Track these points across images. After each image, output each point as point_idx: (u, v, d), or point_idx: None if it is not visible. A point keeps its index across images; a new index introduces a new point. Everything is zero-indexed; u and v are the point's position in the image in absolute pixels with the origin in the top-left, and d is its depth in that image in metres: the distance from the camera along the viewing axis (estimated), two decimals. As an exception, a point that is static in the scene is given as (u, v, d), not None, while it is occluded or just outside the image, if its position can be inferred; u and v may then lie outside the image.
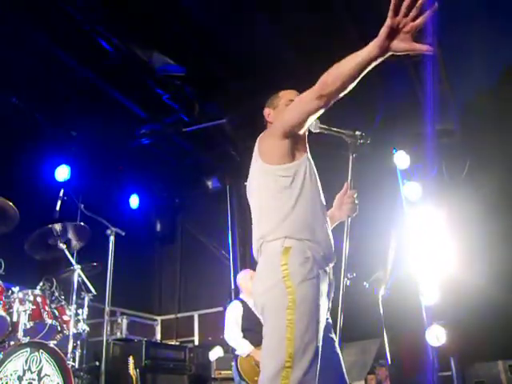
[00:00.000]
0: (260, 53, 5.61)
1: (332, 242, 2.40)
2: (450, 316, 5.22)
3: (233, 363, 4.59)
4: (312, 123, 2.51)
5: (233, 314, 4.78)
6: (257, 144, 2.47)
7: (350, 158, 2.60)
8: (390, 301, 5.10)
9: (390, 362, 4.79)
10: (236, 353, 4.57)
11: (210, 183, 7.55)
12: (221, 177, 7.61)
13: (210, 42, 5.37)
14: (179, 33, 5.18)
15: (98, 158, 6.32)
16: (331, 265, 2.37)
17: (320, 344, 2.13)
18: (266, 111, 2.65)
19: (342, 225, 2.64)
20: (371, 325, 5.01)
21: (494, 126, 6.38)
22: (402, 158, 5.96)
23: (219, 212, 7.48)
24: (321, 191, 2.49)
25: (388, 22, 1.97)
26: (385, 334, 4.72)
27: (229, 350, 6.42)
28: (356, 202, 2.61)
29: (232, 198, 7.45)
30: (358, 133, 2.58)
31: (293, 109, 2.34)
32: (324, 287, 2.27)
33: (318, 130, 2.59)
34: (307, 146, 2.53)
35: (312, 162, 2.50)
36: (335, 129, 2.61)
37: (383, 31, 1.99)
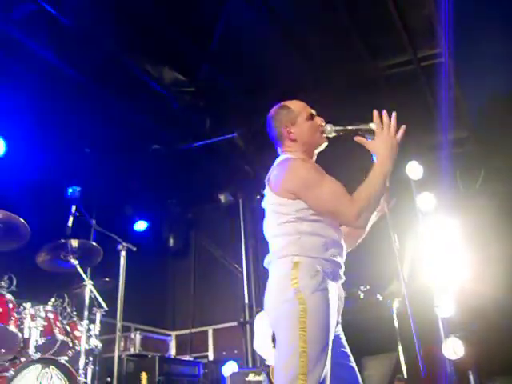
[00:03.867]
0: (271, 67, 5.63)
1: (342, 260, 2.41)
2: (467, 328, 5.12)
3: (263, 374, 4.57)
4: (327, 129, 2.49)
5: (262, 324, 4.77)
6: (277, 168, 2.41)
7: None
8: (404, 313, 5.02)
9: (406, 377, 4.69)
10: (266, 363, 4.56)
11: (222, 197, 7.55)
12: (233, 191, 7.61)
13: (220, 57, 5.41)
14: (189, 49, 5.23)
15: (110, 173, 6.35)
16: (341, 281, 2.39)
17: (330, 355, 2.14)
18: (284, 131, 2.53)
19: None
20: (386, 338, 4.93)
21: (509, 134, 6.29)
22: (414, 169, 5.89)
23: (232, 226, 7.47)
24: None
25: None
26: (400, 347, 4.64)
27: (243, 365, 6.38)
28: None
29: (245, 211, 7.44)
30: (373, 125, 2.42)
31: (331, 199, 2.28)
32: (334, 300, 2.28)
33: (334, 134, 2.49)
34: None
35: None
36: (351, 127, 2.46)
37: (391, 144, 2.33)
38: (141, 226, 7.40)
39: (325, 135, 2.50)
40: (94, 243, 4.60)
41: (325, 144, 2.55)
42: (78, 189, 4.66)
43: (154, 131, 6.22)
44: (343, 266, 2.40)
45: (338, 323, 2.38)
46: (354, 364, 2.37)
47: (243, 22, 4.97)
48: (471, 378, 5.13)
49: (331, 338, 2.19)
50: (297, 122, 2.53)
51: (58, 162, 5.76)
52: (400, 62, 5.61)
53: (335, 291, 2.32)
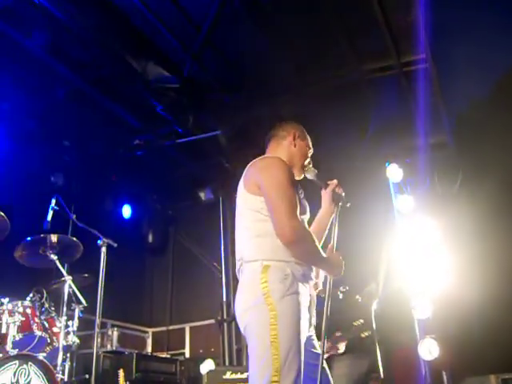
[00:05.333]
0: (255, 65, 5.64)
1: None
2: (443, 330, 5.21)
3: None
4: (311, 168, 2.71)
5: None
6: (255, 171, 2.48)
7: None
8: (382, 314, 5.08)
9: (382, 376, 4.75)
10: None
11: (202, 195, 7.52)
12: (214, 189, 7.59)
13: (205, 54, 5.40)
14: (174, 45, 5.20)
15: (90, 168, 6.29)
16: (312, 282, 2.44)
17: (303, 358, 2.18)
18: (290, 137, 2.69)
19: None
20: (364, 339, 4.97)
21: (487, 138, 6.40)
22: (394, 171, 5.97)
23: (212, 224, 7.45)
24: (307, 215, 2.60)
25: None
26: (377, 347, 4.69)
27: (220, 363, 6.38)
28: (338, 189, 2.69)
29: (225, 209, 7.43)
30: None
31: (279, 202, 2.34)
32: (305, 302, 2.32)
33: (310, 177, 2.72)
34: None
35: (300, 190, 2.60)
36: (323, 185, 2.72)
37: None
38: (126, 212, 7.30)
39: (306, 170, 2.70)
40: (74, 238, 4.55)
41: (299, 177, 2.69)
42: (60, 179, 4.61)
43: (136, 126, 6.17)
44: (314, 268, 2.46)
45: (310, 325, 2.41)
46: (325, 365, 2.40)
47: (230, 20, 4.97)
48: (445, 377, 5.23)
49: (303, 341, 2.23)
50: (301, 143, 2.72)
51: (38, 156, 5.67)
52: (384, 66, 5.68)
53: (306, 293, 2.36)
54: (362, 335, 4.45)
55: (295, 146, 2.68)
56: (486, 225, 5.65)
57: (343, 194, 2.66)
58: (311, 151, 2.77)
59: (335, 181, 2.70)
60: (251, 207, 2.41)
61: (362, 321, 4.54)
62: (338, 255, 2.51)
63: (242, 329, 2.32)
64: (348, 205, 2.65)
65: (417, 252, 5.53)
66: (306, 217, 2.59)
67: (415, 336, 5.31)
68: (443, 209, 5.87)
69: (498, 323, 5.75)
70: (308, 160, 2.73)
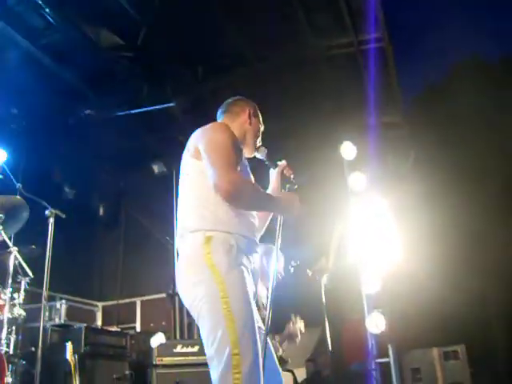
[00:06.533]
0: (210, 39, 5.54)
1: (256, 235, 2.45)
2: (390, 304, 5.36)
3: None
4: (261, 148, 2.67)
5: None
6: (198, 134, 2.42)
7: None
8: (332, 289, 5.18)
9: (331, 350, 4.86)
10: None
11: (155, 168, 7.39)
12: (167, 162, 7.47)
13: (161, 24, 5.26)
14: (130, 12, 5.04)
15: (39, 137, 6.06)
16: (255, 254, 2.41)
17: (257, 324, 2.16)
18: (245, 115, 2.64)
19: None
20: (313, 313, 5.07)
21: (438, 122, 6.55)
22: (348, 149, 6.01)
23: (164, 197, 7.35)
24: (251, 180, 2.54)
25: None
26: (326, 322, 4.79)
27: (170, 336, 6.37)
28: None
29: (178, 183, 7.32)
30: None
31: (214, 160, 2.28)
32: (249, 274, 2.29)
33: (260, 157, 2.69)
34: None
35: (246, 162, 2.56)
36: (273, 166, 2.71)
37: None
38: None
39: (256, 150, 2.67)
40: (18, 197, 4.37)
41: (248, 155, 2.65)
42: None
43: (87, 95, 5.97)
44: (257, 240, 2.44)
45: (254, 295, 2.37)
46: (267, 339, 2.36)
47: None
48: (390, 350, 5.39)
49: (255, 310, 2.19)
50: (255, 120, 2.67)
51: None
52: (341, 43, 5.69)
53: (250, 266, 2.33)
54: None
55: (250, 124, 2.64)
56: (435, 203, 5.82)
57: (292, 176, 2.62)
58: (262, 129, 2.73)
59: (284, 162, 2.67)
60: (193, 171, 2.37)
61: None
62: (290, 194, 2.49)
63: (187, 305, 2.24)
64: (295, 187, 2.60)
65: (368, 229, 5.63)
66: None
67: (363, 310, 5.44)
68: (395, 187, 5.99)
69: (441, 299, 5.97)
70: (257, 139, 2.69)
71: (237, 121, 2.63)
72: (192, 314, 2.24)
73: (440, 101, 5.98)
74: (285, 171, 2.63)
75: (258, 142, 2.69)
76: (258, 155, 2.68)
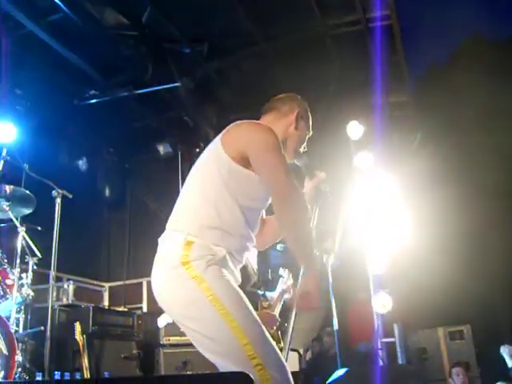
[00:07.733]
0: (217, 19, 5.47)
1: (243, 258, 2.27)
2: (397, 285, 5.36)
3: None
4: (303, 156, 2.45)
5: None
6: (234, 127, 2.22)
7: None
8: (338, 270, 5.18)
9: (337, 330, 4.88)
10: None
11: (161, 148, 7.35)
12: (172, 142, 7.43)
13: (166, 3, 5.19)
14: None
15: (44, 118, 6.03)
16: (239, 266, 2.25)
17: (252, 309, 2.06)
18: (294, 117, 2.38)
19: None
20: (320, 293, 5.08)
21: (444, 102, 6.49)
22: (355, 129, 5.97)
23: (170, 178, 7.34)
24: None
25: None
26: (333, 301, 4.80)
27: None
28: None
29: (183, 164, 7.31)
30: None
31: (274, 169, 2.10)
32: (234, 273, 2.17)
33: (300, 165, 2.49)
34: None
35: None
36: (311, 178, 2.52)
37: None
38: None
39: (297, 156, 2.44)
40: (27, 191, 4.39)
41: (289, 161, 2.38)
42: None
43: (92, 75, 5.92)
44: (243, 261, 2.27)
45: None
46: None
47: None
48: (396, 330, 5.42)
49: (244, 296, 2.06)
50: (304, 127, 2.43)
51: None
52: (348, 21, 5.61)
53: (238, 264, 2.21)
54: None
55: (296, 128, 2.38)
56: (441, 182, 5.79)
57: (327, 190, 2.45)
58: (309, 135, 2.50)
59: (324, 174, 2.47)
60: (217, 166, 2.14)
61: None
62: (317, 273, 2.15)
63: (171, 316, 2.15)
64: (329, 200, 2.47)
65: (375, 208, 5.61)
66: None
67: (370, 290, 5.45)
68: (401, 166, 5.96)
69: (447, 280, 5.98)
70: (301, 146, 2.45)
71: (282, 121, 2.37)
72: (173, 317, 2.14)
73: (444, 83, 5.93)
74: (322, 185, 2.46)
75: (303, 149, 2.47)
76: (298, 162, 2.47)
